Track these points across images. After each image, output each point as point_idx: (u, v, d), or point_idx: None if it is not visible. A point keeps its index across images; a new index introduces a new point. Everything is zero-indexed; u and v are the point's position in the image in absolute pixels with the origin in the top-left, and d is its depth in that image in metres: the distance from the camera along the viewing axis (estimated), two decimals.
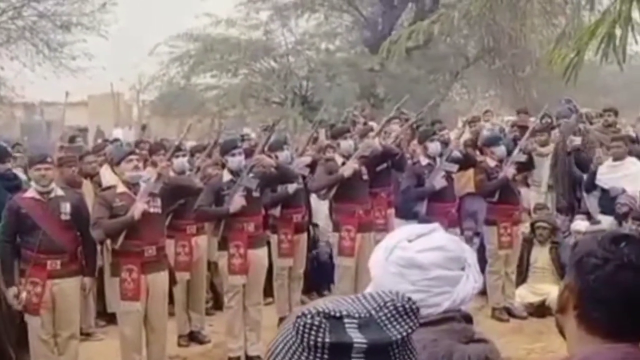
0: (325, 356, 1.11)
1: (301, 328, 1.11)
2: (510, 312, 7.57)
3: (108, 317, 7.37)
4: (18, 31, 16.43)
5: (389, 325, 1.13)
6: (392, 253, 1.90)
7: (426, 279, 1.85)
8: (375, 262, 1.93)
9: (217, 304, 7.78)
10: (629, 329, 1.46)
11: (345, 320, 1.11)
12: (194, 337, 7.10)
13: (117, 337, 5.95)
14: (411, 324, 1.14)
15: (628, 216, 7.31)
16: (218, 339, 6.87)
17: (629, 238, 1.50)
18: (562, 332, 1.60)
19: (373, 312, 1.13)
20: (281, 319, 7.41)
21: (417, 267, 1.85)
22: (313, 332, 1.10)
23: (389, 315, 1.13)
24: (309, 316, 1.11)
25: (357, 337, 1.11)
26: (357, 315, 1.12)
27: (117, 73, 21.69)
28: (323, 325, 1.10)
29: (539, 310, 7.60)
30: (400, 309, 1.14)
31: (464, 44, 18.47)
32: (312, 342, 1.10)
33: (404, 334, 1.13)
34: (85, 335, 6.87)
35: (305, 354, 1.12)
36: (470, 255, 1.95)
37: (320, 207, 8.33)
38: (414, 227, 1.98)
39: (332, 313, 1.11)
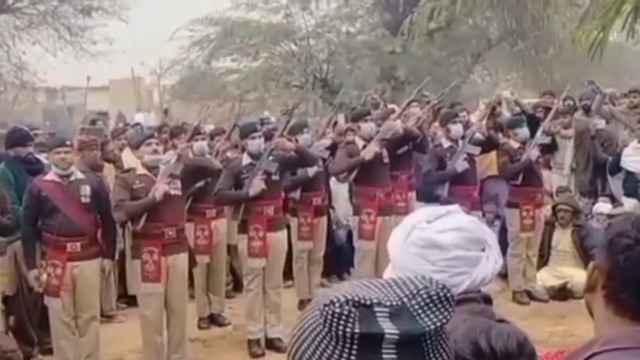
0: (355, 347, 1.05)
1: (329, 317, 1.05)
2: (531, 295, 7.51)
3: (129, 300, 7.43)
4: (39, 16, 16.49)
5: (422, 315, 1.07)
6: (410, 234, 1.88)
7: (445, 259, 1.83)
8: (394, 243, 1.92)
9: (237, 286, 7.81)
10: None
11: (376, 309, 1.06)
12: (214, 320, 7.13)
13: (138, 319, 5.97)
14: (446, 313, 1.08)
15: None
16: (238, 322, 6.89)
17: None
18: (590, 312, 1.58)
19: (405, 300, 1.07)
20: (301, 302, 7.44)
21: (436, 247, 1.84)
22: (342, 322, 1.04)
23: (422, 303, 1.07)
24: (337, 304, 1.04)
25: (389, 328, 1.05)
26: (388, 303, 1.06)
27: (138, 57, 21.78)
28: (352, 315, 1.04)
29: (561, 293, 7.55)
30: (435, 297, 1.08)
31: (486, 25, 18.23)
32: (340, 332, 1.05)
33: (438, 324, 1.07)
34: (107, 317, 6.93)
35: (333, 343, 1.07)
36: (490, 236, 1.94)
37: (339, 191, 8.30)
38: (432, 209, 1.96)
39: (362, 301, 1.05)
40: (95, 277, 5.67)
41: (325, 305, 1.05)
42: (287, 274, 7.24)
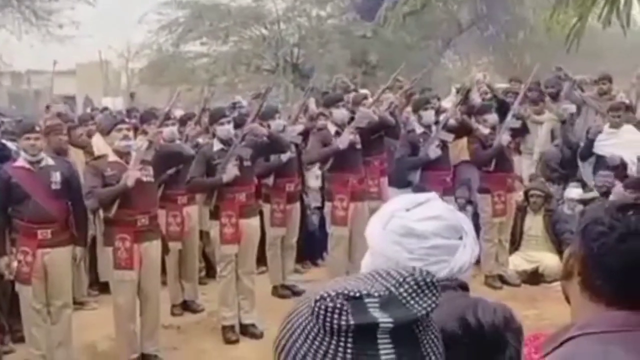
0: (350, 339, 1.05)
1: (322, 312, 1.04)
2: (503, 280, 7.59)
3: (100, 287, 7.37)
4: None
5: (412, 302, 1.07)
6: (389, 222, 1.88)
7: (424, 247, 1.84)
8: (372, 231, 1.91)
9: (209, 273, 7.78)
10: (631, 296, 1.45)
11: (366, 299, 1.05)
12: (187, 307, 7.11)
13: (110, 306, 5.92)
14: (434, 298, 1.09)
15: (609, 195, 7.29)
16: (211, 308, 6.87)
17: (636, 207, 1.49)
18: (567, 298, 1.60)
19: (393, 289, 1.08)
20: (275, 288, 7.45)
21: (414, 235, 1.84)
22: (335, 316, 1.04)
23: (410, 290, 1.08)
24: (328, 299, 1.04)
25: (382, 317, 1.05)
26: (377, 293, 1.06)
27: (105, 41, 21.51)
28: (345, 307, 1.04)
29: (533, 277, 7.65)
30: (422, 283, 1.08)
31: (457, 10, 18.29)
32: (335, 326, 1.04)
33: (428, 309, 1.08)
34: (78, 304, 6.86)
35: (327, 339, 1.06)
36: (467, 224, 1.94)
37: (309, 175, 8.26)
38: (411, 196, 1.96)
39: (352, 293, 1.05)
40: (67, 264, 5.60)
41: (317, 300, 1.05)
42: (261, 260, 7.23)
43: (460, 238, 1.89)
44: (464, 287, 1.91)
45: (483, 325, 1.60)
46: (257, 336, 6.29)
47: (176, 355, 6.06)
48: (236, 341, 6.25)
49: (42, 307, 5.54)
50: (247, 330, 6.33)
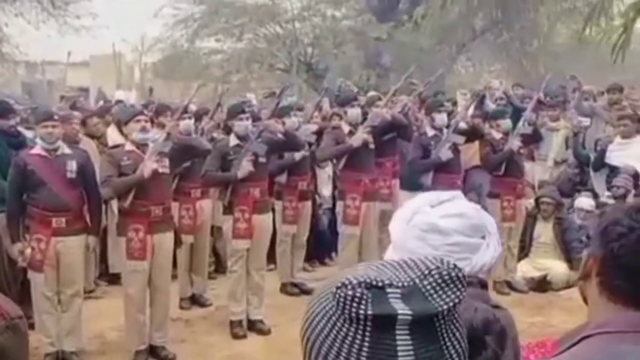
0: (368, 328, 1.06)
1: (342, 300, 1.05)
2: (511, 286, 7.58)
3: (109, 278, 7.41)
4: None
5: (435, 295, 1.07)
6: (413, 217, 1.90)
7: (447, 244, 1.86)
8: (396, 226, 1.93)
9: (218, 268, 7.81)
10: None
11: (388, 290, 1.06)
12: (195, 300, 7.13)
13: (118, 297, 5.96)
14: (458, 293, 1.08)
15: (626, 197, 7.28)
16: (220, 303, 6.89)
17: None
18: (584, 299, 1.61)
19: (417, 280, 1.08)
20: (283, 285, 7.47)
21: (438, 232, 1.86)
22: (355, 304, 1.05)
23: (434, 284, 1.08)
24: (349, 287, 1.05)
25: (402, 308, 1.05)
26: (400, 284, 1.07)
27: (120, 34, 21.55)
28: (365, 297, 1.05)
29: (540, 285, 7.63)
30: (446, 277, 1.08)
31: (471, 15, 18.26)
32: (354, 314, 1.06)
33: (451, 304, 1.07)
34: (86, 293, 6.88)
35: (346, 325, 1.07)
36: (491, 225, 1.96)
37: (320, 175, 8.28)
38: (436, 193, 1.99)
39: (374, 282, 1.06)
40: (79, 253, 5.62)
41: (338, 287, 1.06)
42: (270, 256, 7.25)
43: (483, 237, 1.91)
44: (484, 285, 1.94)
45: None
46: (265, 332, 6.31)
47: (183, 348, 6.07)
48: (243, 336, 6.26)
49: (53, 294, 5.57)
50: (255, 326, 6.35)
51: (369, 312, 1.05)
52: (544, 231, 7.81)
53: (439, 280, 1.08)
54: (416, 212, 1.91)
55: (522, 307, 7.07)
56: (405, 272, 1.10)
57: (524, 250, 7.85)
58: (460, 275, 1.10)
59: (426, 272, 1.09)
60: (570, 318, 6.33)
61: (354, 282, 1.06)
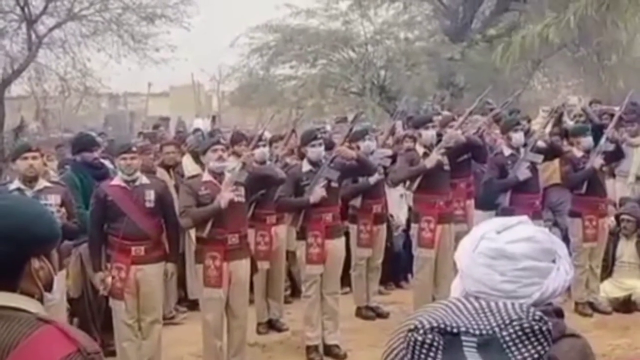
0: None
1: (412, 344, 1.01)
2: (594, 307, 7.37)
3: (189, 304, 7.53)
4: (104, 23, 16.80)
5: (513, 348, 1.00)
6: (479, 244, 1.86)
7: (516, 269, 1.81)
8: (462, 254, 1.90)
9: (294, 292, 7.84)
10: None
11: (463, 337, 1.00)
12: (272, 325, 7.18)
13: (198, 322, 6.05)
14: (539, 348, 1.01)
15: None
16: (296, 327, 6.92)
17: None
18: None
19: (497, 329, 1.01)
20: (358, 309, 7.44)
21: (506, 257, 1.82)
22: (424, 350, 1.00)
23: (514, 335, 1.00)
24: (421, 331, 1.00)
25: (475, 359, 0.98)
26: (477, 332, 1.00)
27: (198, 64, 22.04)
28: (436, 343, 1.00)
29: (625, 305, 7.39)
30: (528, 329, 1.01)
31: (548, 31, 17.92)
32: None
33: (530, 359, 0.99)
34: (166, 320, 7.02)
35: None
36: (561, 247, 1.91)
37: (392, 194, 8.20)
38: (501, 219, 1.94)
39: (449, 329, 1.00)
40: (159, 281, 5.76)
41: (410, 330, 1.02)
42: (344, 280, 7.24)
43: (554, 261, 1.86)
44: (559, 313, 1.88)
45: None
46: (341, 357, 6.30)
47: None
48: None
49: (133, 322, 5.70)
50: (331, 351, 6.35)
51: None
52: (627, 249, 7.58)
53: (520, 333, 1.01)
54: (482, 238, 1.88)
55: (606, 328, 6.87)
56: (486, 318, 1.03)
57: (607, 269, 7.62)
58: (544, 328, 1.02)
59: (507, 321, 1.02)
60: None
61: (427, 326, 1.01)
